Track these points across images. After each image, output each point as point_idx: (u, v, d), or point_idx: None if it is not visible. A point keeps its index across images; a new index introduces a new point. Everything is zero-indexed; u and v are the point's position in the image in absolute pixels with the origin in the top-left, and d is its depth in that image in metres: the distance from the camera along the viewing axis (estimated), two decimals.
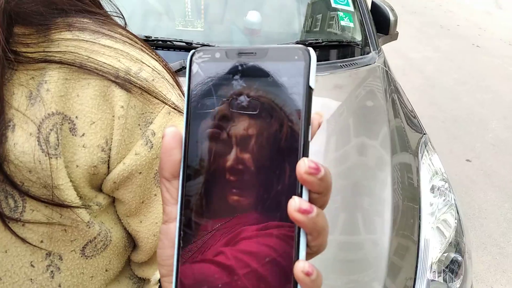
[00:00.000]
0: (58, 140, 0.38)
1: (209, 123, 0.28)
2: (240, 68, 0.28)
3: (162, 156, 0.27)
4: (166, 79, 0.45)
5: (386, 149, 1.33)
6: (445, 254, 1.20)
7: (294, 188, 0.25)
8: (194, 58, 0.29)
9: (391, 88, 1.66)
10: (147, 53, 0.45)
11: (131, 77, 0.41)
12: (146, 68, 0.43)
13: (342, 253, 1.08)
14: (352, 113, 1.50)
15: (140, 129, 0.42)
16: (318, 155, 1.29)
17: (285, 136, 0.26)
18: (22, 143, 0.37)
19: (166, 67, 0.47)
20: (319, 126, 0.27)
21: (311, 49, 0.27)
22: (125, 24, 0.51)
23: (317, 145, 1.33)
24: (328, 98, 1.53)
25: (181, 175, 0.28)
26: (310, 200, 0.25)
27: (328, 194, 0.26)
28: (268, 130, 0.26)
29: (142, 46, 0.45)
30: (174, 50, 1.49)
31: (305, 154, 0.26)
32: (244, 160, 0.27)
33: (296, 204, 0.24)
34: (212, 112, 0.28)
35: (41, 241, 0.39)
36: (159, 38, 1.46)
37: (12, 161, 0.37)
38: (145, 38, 1.44)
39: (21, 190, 0.37)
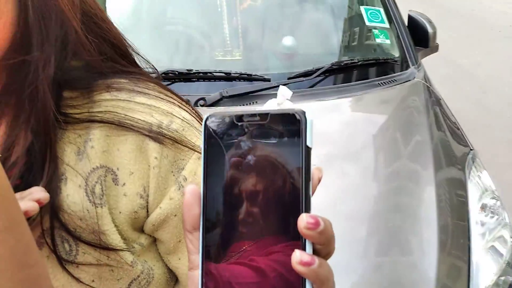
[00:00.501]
0: (102, 190, 0.44)
1: (222, 180, 0.31)
2: (245, 130, 0.32)
3: (183, 211, 0.31)
4: (195, 127, 0.49)
5: (429, 165, 1.30)
6: (502, 278, 1.14)
7: (298, 240, 0.28)
8: (208, 122, 0.33)
9: (432, 100, 1.63)
10: (178, 104, 0.49)
11: (163, 130, 0.46)
12: (176, 119, 0.48)
13: (383, 276, 1.07)
14: (392, 131, 1.48)
15: (173, 175, 0.47)
16: (358, 175, 1.29)
17: (287, 192, 0.29)
18: (73, 194, 0.43)
19: (195, 114, 0.52)
20: (319, 180, 0.30)
21: (307, 112, 0.31)
22: (159, 77, 0.57)
23: (358, 164, 1.33)
24: (367, 117, 1.53)
25: (201, 227, 0.31)
26: (315, 251, 0.28)
27: (331, 244, 0.28)
28: (272, 187, 0.30)
29: (173, 98, 0.50)
30: (215, 81, 1.57)
31: (307, 208, 0.29)
32: (253, 215, 0.30)
33: (297, 257, 0.27)
34: (224, 171, 0.31)
35: (92, 281, 0.45)
36: (200, 71, 1.54)
37: (66, 210, 0.43)
38: (187, 71, 1.53)
39: (74, 236, 0.43)
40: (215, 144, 0.33)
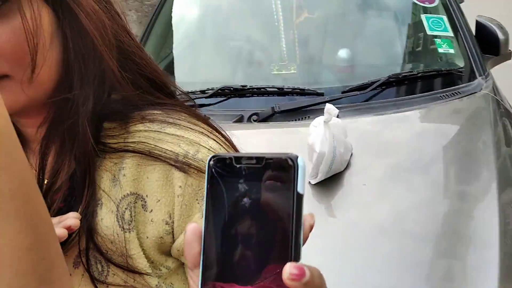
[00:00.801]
0: (131, 216, 0.47)
1: (221, 220, 0.33)
2: (243, 173, 0.33)
3: (184, 248, 0.33)
4: None
5: (492, 184, 1.21)
6: None
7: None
8: (210, 162, 0.34)
9: (501, 114, 1.51)
10: (206, 134, 0.51)
11: (189, 160, 0.48)
12: (203, 149, 0.49)
13: None
14: (454, 148, 1.40)
15: (198, 203, 0.49)
16: (417, 193, 1.24)
17: (278, 238, 0.30)
18: (106, 219, 0.47)
19: (224, 142, 0.53)
20: (311, 228, 0.30)
21: (300, 158, 0.31)
22: (195, 105, 0.60)
23: (414, 182, 1.28)
24: (426, 133, 1.46)
25: (201, 264, 0.33)
26: None
27: None
28: (264, 231, 0.31)
29: (203, 127, 0.52)
30: (268, 95, 1.60)
31: (296, 256, 0.29)
32: (246, 258, 0.31)
33: (287, 271, 0.27)
34: (223, 211, 0.33)
35: None
36: (253, 86, 1.58)
37: (99, 233, 0.47)
38: (241, 87, 1.58)
39: (106, 257, 0.47)
40: (217, 184, 0.34)
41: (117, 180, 0.48)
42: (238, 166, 0.33)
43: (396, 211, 1.18)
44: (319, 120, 1.16)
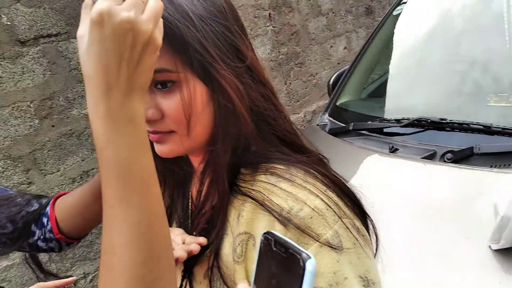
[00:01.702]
0: (242, 251, 0.55)
1: (262, 285, 0.40)
2: (276, 256, 0.40)
3: None
4: (325, 216, 0.53)
5: None
6: None
7: None
8: (261, 237, 0.42)
9: None
10: (316, 193, 0.54)
11: (291, 216, 0.52)
12: (306, 208, 0.53)
13: None
14: None
15: None
16: None
17: None
18: (226, 247, 0.57)
19: (334, 203, 0.55)
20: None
21: (309, 262, 0.36)
22: (326, 160, 0.65)
23: None
24: None
25: None
26: None
27: None
28: None
29: (317, 186, 0.56)
30: (472, 132, 1.45)
31: None
32: None
33: None
34: (262, 281, 0.40)
35: None
36: (453, 121, 1.47)
37: (221, 257, 0.57)
38: (439, 120, 1.49)
39: (223, 278, 0.56)
40: (262, 256, 0.43)
41: (238, 218, 0.57)
42: (274, 249, 0.40)
43: None
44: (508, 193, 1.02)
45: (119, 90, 0.43)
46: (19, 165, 2.01)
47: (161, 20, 0.47)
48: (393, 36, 2.06)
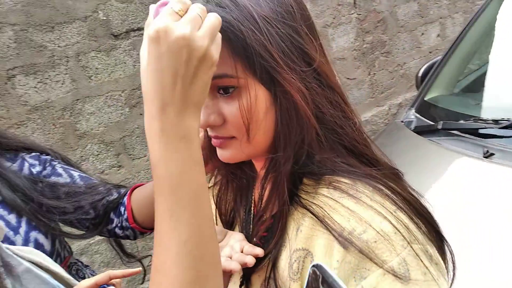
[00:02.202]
0: (298, 269, 0.52)
1: None
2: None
3: None
4: (392, 241, 0.47)
5: None
6: None
7: None
8: (310, 270, 0.40)
9: None
10: (384, 215, 0.49)
11: (352, 237, 0.47)
12: (371, 230, 0.47)
13: None
14: None
15: (354, 281, 0.47)
16: None
17: None
18: (283, 261, 0.54)
19: (404, 226, 0.49)
20: None
21: None
22: (400, 174, 0.59)
23: None
24: None
25: None
26: None
27: None
28: None
29: (385, 206, 0.50)
30: None
31: None
32: None
33: None
34: None
35: None
36: None
37: (278, 269, 0.55)
38: None
39: None
40: (309, 286, 0.42)
41: (297, 232, 0.54)
42: (320, 286, 0.38)
43: None
44: None
45: (173, 108, 0.43)
46: (111, 149, 2.17)
47: (219, 34, 0.46)
48: (495, 22, 1.84)
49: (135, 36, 2.24)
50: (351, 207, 0.50)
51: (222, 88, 0.53)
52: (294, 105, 0.53)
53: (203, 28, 0.44)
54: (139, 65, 2.08)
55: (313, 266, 0.42)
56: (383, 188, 0.52)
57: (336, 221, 0.50)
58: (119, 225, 0.96)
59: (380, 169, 0.56)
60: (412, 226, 0.49)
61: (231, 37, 0.50)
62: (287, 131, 0.55)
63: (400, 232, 0.48)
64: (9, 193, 0.86)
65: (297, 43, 0.54)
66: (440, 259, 0.51)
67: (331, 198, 0.52)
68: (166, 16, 0.43)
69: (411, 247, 0.47)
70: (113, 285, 0.76)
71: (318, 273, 0.41)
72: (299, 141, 0.55)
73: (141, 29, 2.25)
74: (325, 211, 0.51)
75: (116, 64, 2.18)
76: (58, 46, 2.01)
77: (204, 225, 0.45)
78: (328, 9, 3.07)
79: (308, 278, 0.42)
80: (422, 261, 0.47)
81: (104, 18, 2.14)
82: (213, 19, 0.45)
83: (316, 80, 0.55)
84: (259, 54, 0.51)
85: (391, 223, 0.48)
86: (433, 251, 0.50)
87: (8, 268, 0.74)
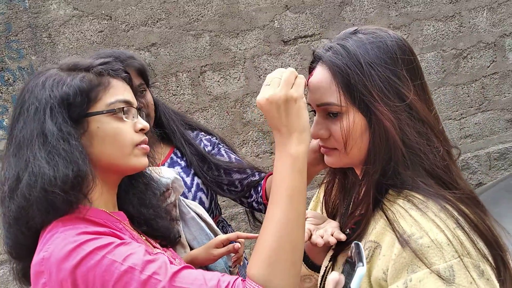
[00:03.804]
0: (369, 255, 0.67)
1: None
2: (351, 254, 0.60)
3: None
4: (443, 249, 0.59)
5: None
6: None
7: None
8: (353, 243, 0.59)
9: None
10: (442, 229, 0.61)
11: (410, 240, 0.61)
12: (426, 238, 0.60)
13: None
14: None
15: (406, 272, 0.61)
16: None
17: None
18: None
19: (458, 241, 0.60)
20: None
21: (360, 269, 0.54)
22: (474, 197, 0.69)
23: None
24: None
25: None
26: None
27: None
28: None
29: (447, 224, 0.62)
30: None
31: None
32: None
33: None
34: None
35: None
36: None
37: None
38: None
39: None
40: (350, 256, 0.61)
41: (373, 229, 0.69)
42: (352, 254, 0.58)
43: None
44: None
45: (282, 135, 0.67)
46: (267, 138, 2.58)
47: (301, 77, 0.67)
48: None
49: (301, 42, 2.56)
50: (416, 217, 0.63)
51: (332, 113, 0.71)
52: (384, 130, 0.67)
53: (280, 84, 0.66)
54: (301, 68, 2.42)
55: (355, 242, 0.58)
56: (451, 209, 0.64)
57: (401, 225, 0.64)
58: (256, 200, 1.29)
59: (454, 193, 0.67)
60: (467, 244, 0.61)
61: (339, 76, 0.69)
62: (377, 150, 0.69)
63: (453, 245, 0.60)
64: (194, 158, 1.23)
65: (393, 83, 0.68)
66: (493, 278, 0.61)
67: (403, 208, 0.66)
68: (261, 91, 0.67)
69: (461, 259, 0.59)
70: (239, 243, 1.06)
71: (355, 246, 0.58)
72: (386, 159, 0.68)
73: (307, 36, 2.56)
74: (396, 216, 0.66)
75: (282, 66, 2.55)
76: (239, 49, 2.49)
77: (292, 216, 0.65)
78: (509, 18, 2.85)
79: (351, 249, 0.58)
80: (469, 273, 0.59)
81: (278, 26, 2.52)
82: (287, 74, 0.66)
83: (408, 113, 0.68)
84: (360, 91, 0.68)
85: (447, 236, 0.60)
86: (485, 268, 0.60)
87: (181, 214, 1.11)
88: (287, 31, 2.54)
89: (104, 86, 0.74)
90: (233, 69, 2.49)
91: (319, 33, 2.57)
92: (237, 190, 1.30)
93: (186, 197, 1.21)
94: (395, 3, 2.66)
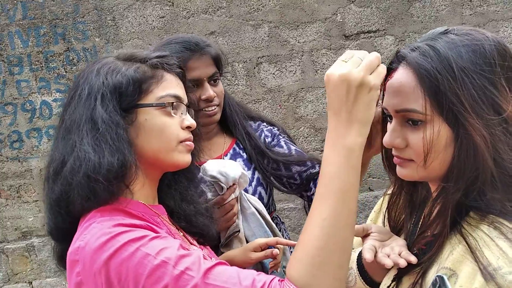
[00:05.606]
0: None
1: None
2: None
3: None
4: None
5: None
6: None
7: None
8: (434, 276, 0.54)
9: None
10: None
11: (496, 274, 0.53)
12: None
13: None
14: None
15: None
16: None
17: None
18: (431, 274, 0.62)
19: None
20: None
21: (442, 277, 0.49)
22: None
23: None
24: None
25: None
26: None
27: None
28: None
29: None
30: None
31: None
32: None
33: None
34: None
35: None
36: None
37: (425, 277, 0.63)
38: None
39: None
40: None
41: (449, 255, 0.61)
42: None
43: None
44: None
45: (341, 125, 0.60)
46: (319, 135, 2.51)
47: (382, 66, 0.61)
48: None
49: (364, 38, 2.45)
50: (504, 249, 0.55)
51: (411, 120, 0.64)
52: (474, 146, 0.59)
53: (361, 65, 0.59)
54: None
55: (438, 275, 0.53)
56: None
57: (485, 256, 0.56)
58: (314, 194, 1.22)
59: None
60: None
61: (426, 81, 0.61)
62: (462, 166, 0.61)
63: None
64: (253, 152, 1.19)
65: (489, 93, 0.60)
66: None
67: (488, 236, 0.58)
68: (335, 64, 0.61)
69: None
70: (278, 249, 1.01)
71: (439, 283, 0.53)
72: (472, 178, 0.61)
73: (371, 32, 2.44)
74: (479, 244, 0.58)
75: None
76: (298, 42, 2.42)
77: (342, 214, 0.60)
78: None
79: (433, 281, 0.53)
80: None
81: (340, 20, 2.42)
82: (371, 57, 0.60)
83: (503, 128, 0.60)
84: (450, 99, 0.59)
85: None
86: None
87: (242, 209, 1.09)
88: (349, 25, 2.43)
89: (157, 79, 0.73)
90: (290, 62, 2.43)
91: (383, 29, 2.44)
92: (297, 183, 1.24)
93: (247, 191, 1.18)
94: (470, 1, 2.45)
